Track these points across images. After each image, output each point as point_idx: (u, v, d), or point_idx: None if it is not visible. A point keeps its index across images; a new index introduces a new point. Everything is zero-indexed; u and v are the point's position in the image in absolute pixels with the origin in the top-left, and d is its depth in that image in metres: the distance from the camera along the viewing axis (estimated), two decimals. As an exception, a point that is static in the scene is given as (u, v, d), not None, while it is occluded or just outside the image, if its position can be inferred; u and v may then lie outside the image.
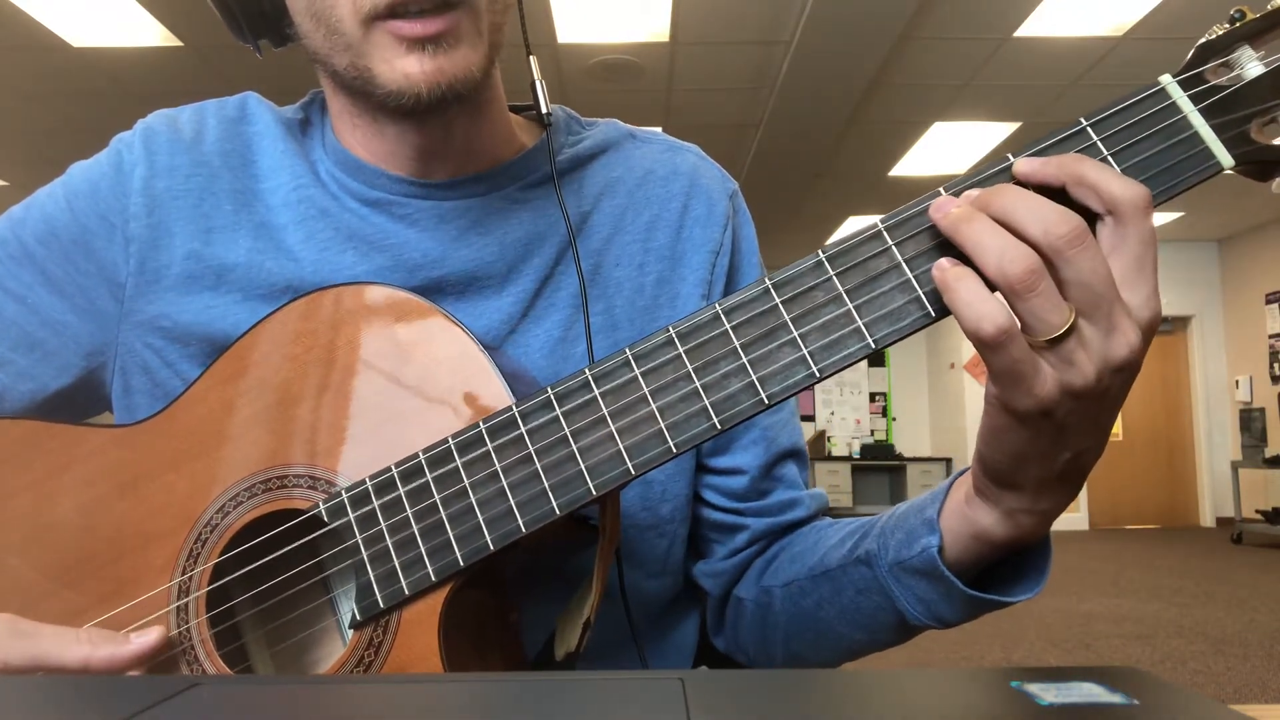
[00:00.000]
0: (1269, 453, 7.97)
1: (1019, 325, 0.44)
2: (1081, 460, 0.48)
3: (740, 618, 0.72)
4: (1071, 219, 0.43)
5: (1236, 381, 9.12)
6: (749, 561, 0.72)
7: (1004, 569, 0.56)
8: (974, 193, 0.46)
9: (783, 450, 0.73)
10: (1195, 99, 0.46)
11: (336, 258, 0.66)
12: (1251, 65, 0.46)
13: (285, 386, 0.56)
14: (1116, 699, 0.31)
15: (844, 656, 0.66)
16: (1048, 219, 0.43)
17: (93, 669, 0.51)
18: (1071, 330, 0.43)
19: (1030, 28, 4.71)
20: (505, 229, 0.68)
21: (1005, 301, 0.44)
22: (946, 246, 0.47)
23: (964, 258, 0.45)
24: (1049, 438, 0.46)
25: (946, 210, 0.46)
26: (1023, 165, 0.47)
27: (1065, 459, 0.48)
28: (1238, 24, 0.47)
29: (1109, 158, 0.47)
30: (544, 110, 0.68)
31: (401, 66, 0.57)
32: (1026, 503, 0.50)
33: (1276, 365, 8.60)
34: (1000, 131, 6.17)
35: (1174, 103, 0.47)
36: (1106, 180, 0.44)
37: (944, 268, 0.45)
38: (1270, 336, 8.66)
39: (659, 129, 0.79)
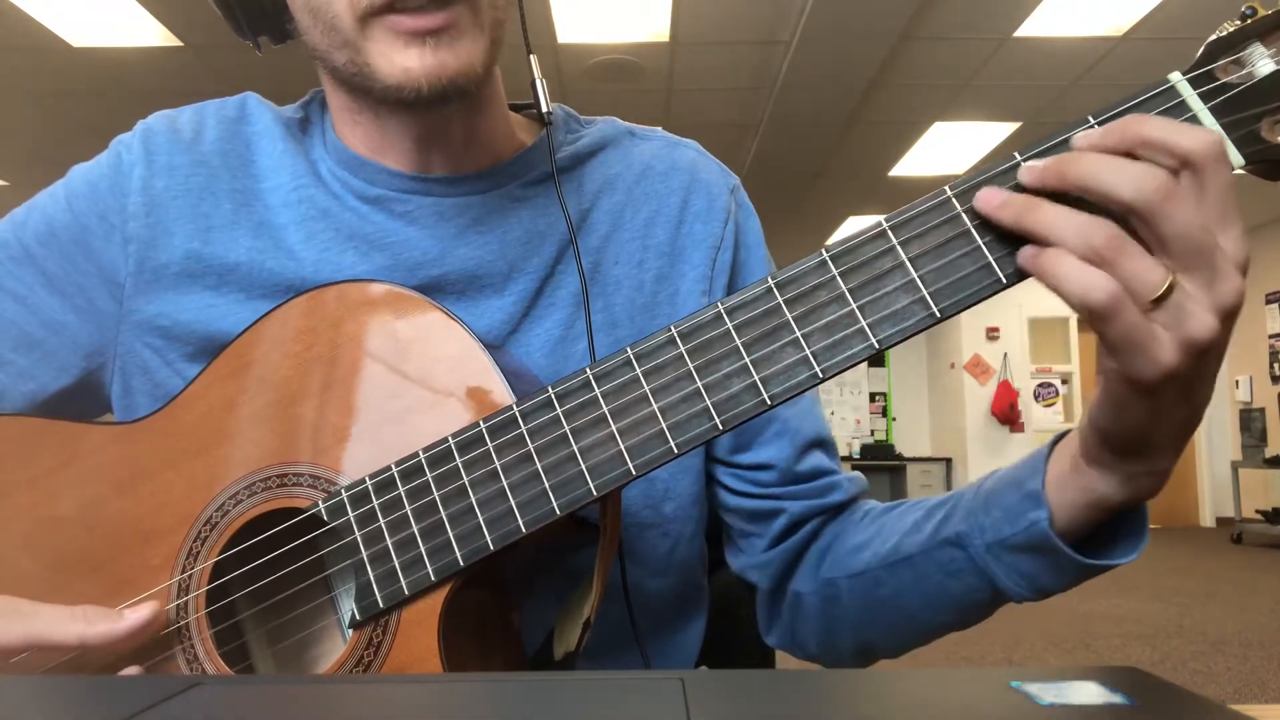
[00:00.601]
0: (1269, 453, 7.96)
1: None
2: (1199, 412, 0.47)
3: (799, 612, 0.71)
4: (1159, 174, 0.42)
5: (1236, 381, 9.11)
6: (798, 551, 0.71)
7: (1099, 532, 0.55)
8: (1038, 165, 0.45)
9: (808, 441, 0.72)
10: (1205, 97, 0.46)
11: (337, 258, 0.66)
12: (1263, 63, 0.45)
13: (285, 384, 0.56)
14: (1116, 699, 0.31)
15: (922, 640, 0.65)
16: (1137, 178, 0.42)
17: (88, 645, 0.52)
18: (1174, 285, 0.42)
19: (1030, 28, 4.71)
20: (505, 227, 0.68)
21: None
22: (953, 247, 0.46)
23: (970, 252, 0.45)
24: (1173, 399, 0.45)
25: (997, 202, 0.45)
26: (1081, 139, 0.45)
27: (1186, 414, 0.47)
28: (1249, 20, 0.46)
29: None
30: (545, 109, 0.68)
31: (401, 61, 0.56)
32: (1148, 465, 0.49)
33: (1276, 365, 8.59)
34: (1000, 131, 6.17)
35: (1183, 101, 0.46)
36: (1175, 135, 0.43)
37: (1033, 254, 0.44)
38: (1270, 336, 8.66)
39: (659, 129, 0.79)
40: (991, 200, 0.46)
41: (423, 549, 0.51)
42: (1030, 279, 0.47)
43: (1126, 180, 0.42)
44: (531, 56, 0.69)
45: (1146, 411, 0.46)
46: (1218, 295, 0.43)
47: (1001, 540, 0.55)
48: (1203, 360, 0.44)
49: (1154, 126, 0.43)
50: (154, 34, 4.54)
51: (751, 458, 0.71)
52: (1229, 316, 0.43)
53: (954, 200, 0.47)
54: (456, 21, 0.56)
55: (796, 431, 0.71)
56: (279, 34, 0.67)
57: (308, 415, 0.55)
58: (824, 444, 0.73)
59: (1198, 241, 0.42)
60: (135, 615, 0.53)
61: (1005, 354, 9.61)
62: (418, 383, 0.54)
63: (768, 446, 0.71)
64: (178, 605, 0.56)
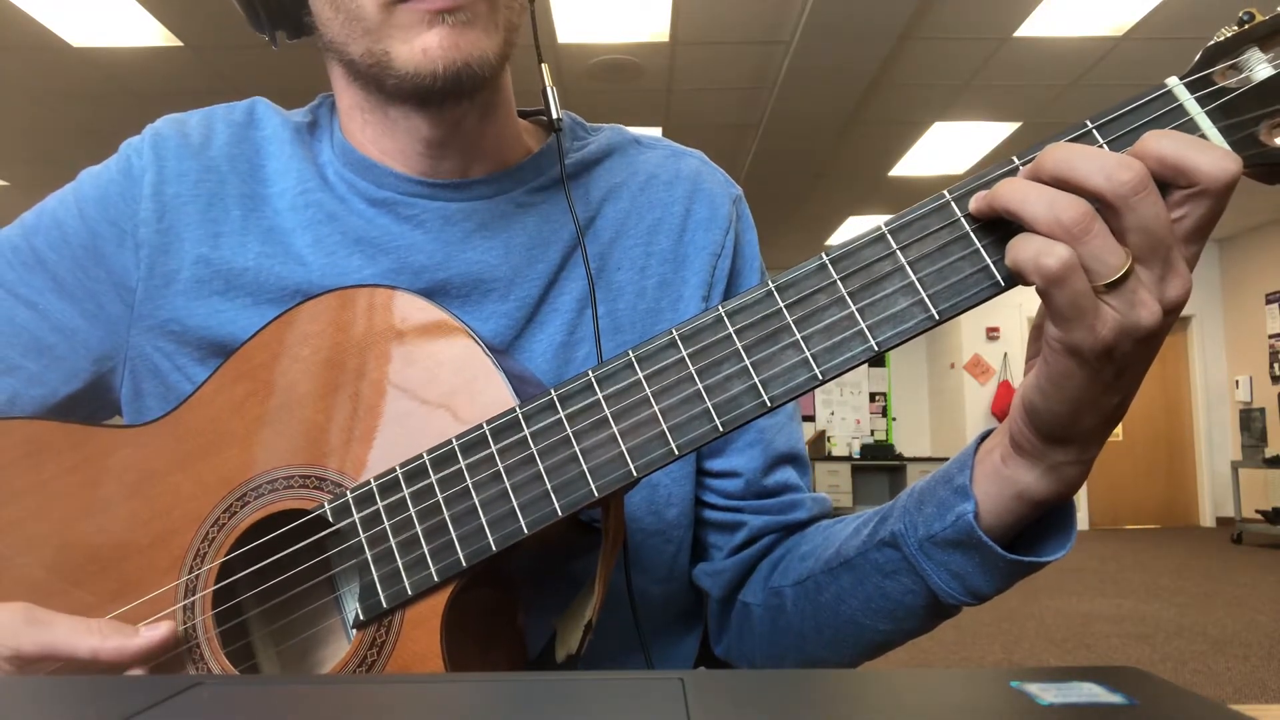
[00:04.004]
0: (1269, 453, 7.96)
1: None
2: (1125, 404, 0.48)
3: (747, 623, 0.71)
4: (1133, 165, 0.42)
5: (1236, 381, 9.12)
6: (751, 563, 0.71)
7: (1027, 532, 0.55)
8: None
9: (780, 454, 0.72)
10: (1203, 101, 0.46)
11: (344, 261, 0.66)
12: (1261, 67, 0.46)
13: (291, 388, 0.56)
14: (1116, 699, 0.31)
15: (864, 654, 0.64)
16: (1109, 168, 0.42)
17: (101, 660, 0.52)
18: (1129, 273, 0.43)
19: (1030, 28, 4.71)
20: (510, 233, 0.68)
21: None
22: (952, 250, 0.47)
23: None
24: (1106, 381, 0.46)
25: (980, 195, 0.46)
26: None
27: (1115, 403, 0.47)
28: (1246, 25, 0.46)
29: None
30: (555, 116, 0.69)
31: (421, 43, 0.57)
32: (1074, 454, 0.50)
33: (1276, 365, 8.60)
34: (1000, 131, 6.17)
35: (1181, 105, 0.46)
36: (1192, 157, 0.43)
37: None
38: (1270, 336, 8.66)
39: (659, 129, 0.80)
40: (977, 197, 0.46)
41: (425, 549, 0.51)
42: None
43: (1098, 169, 0.43)
44: (543, 65, 0.69)
45: (1080, 387, 0.46)
46: (1165, 290, 0.44)
47: (931, 536, 0.55)
48: (1140, 347, 0.45)
49: (1169, 143, 0.43)
50: (154, 34, 4.54)
51: (723, 464, 0.71)
52: (1170, 313, 0.45)
53: (953, 205, 0.47)
54: (474, 5, 0.58)
55: (770, 443, 0.72)
56: (296, 28, 0.68)
57: (314, 419, 0.55)
58: (795, 459, 0.74)
59: (1159, 238, 0.43)
60: (149, 634, 0.53)
61: (1005, 354, 9.61)
62: (422, 385, 0.54)
63: (740, 454, 0.71)
64: (184, 605, 0.56)
